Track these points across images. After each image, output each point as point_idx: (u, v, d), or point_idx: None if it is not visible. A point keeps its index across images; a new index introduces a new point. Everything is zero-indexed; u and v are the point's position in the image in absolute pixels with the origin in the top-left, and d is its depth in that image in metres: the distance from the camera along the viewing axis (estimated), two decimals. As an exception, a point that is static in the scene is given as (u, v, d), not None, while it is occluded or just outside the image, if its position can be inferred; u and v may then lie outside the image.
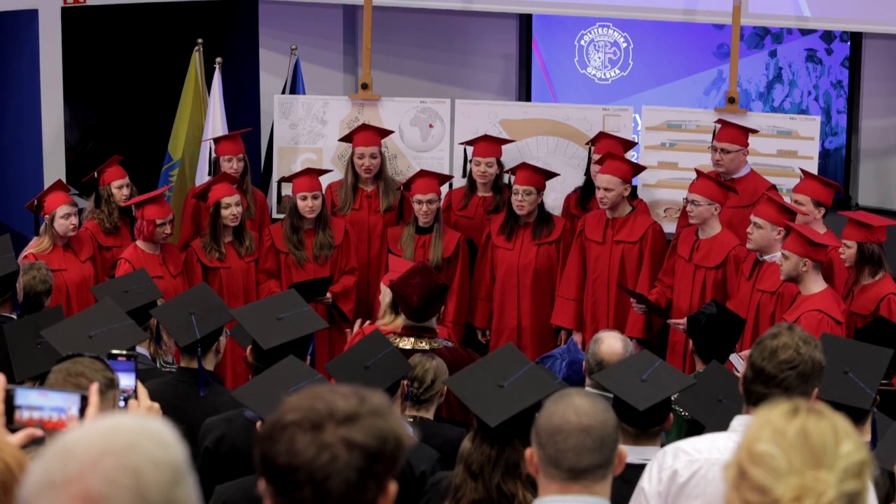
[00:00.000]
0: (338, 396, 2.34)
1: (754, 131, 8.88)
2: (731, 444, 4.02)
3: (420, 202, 8.73)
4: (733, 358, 6.76)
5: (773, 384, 4.00)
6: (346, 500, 2.29)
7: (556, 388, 4.12)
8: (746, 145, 8.78)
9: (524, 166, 8.77)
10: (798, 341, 4.04)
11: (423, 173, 8.89)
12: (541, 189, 8.74)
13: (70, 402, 3.20)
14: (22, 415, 3.18)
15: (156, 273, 8.09)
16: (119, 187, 8.84)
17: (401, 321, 6.73)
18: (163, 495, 2.00)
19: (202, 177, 9.52)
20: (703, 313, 6.69)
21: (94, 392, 3.23)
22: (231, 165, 9.05)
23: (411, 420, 5.49)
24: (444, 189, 9.41)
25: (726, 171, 8.66)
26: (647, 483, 4.06)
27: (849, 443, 2.34)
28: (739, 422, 4.09)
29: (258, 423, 4.72)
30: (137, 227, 8.42)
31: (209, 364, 5.76)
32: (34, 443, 3.09)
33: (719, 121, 8.92)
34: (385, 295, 7.03)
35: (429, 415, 5.64)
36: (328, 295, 8.65)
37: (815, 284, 7.38)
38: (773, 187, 8.73)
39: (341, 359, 5.75)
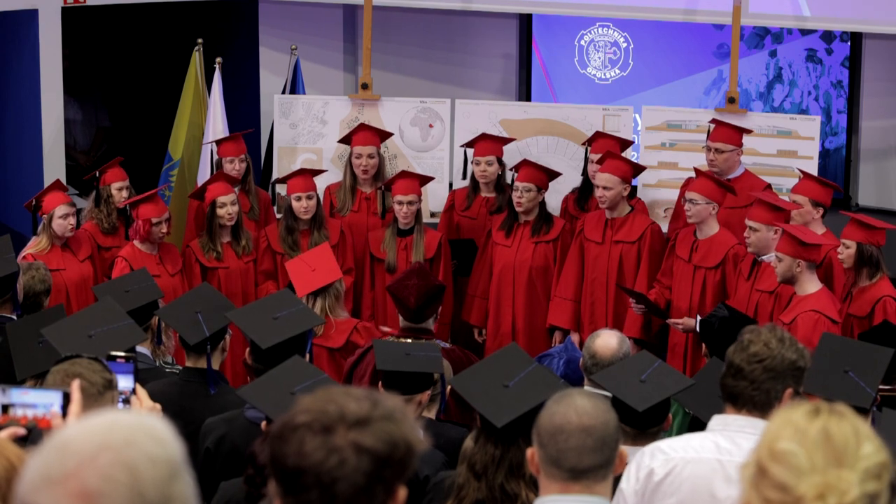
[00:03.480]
0: (351, 399, 2.34)
1: (748, 131, 8.87)
2: (707, 442, 4.07)
3: (401, 203, 8.71)
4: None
5: (740, 377, 4.04)
6: (353, 503, 2.29)
7: (560, 388, 4.13)
8: (741, 145, 8.77)
9: (526, 163, 8.77)
10: (772, 338, 4.08)
11: (403, 174, 8.88)
12: (542, 187, 8.73)
13: (52, 399, 3.21)
14: (16, 412, 3.19)
15: (153, 272, 8.08)
16: (119, 189, 8.86)
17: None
18: (159, 491, 2.00)
19: (203, 178, 9.52)
20: (715, 316, 6.68)
21: (75, 389, 3.23)
22: (233, 166, 9.06)
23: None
24: (446, 189, 9.42)
25: (720, 171, 8.64)
26: (626, 482, 4.10)
27: (869, 444, 2.34)
28: (717, 421, 4.12)
29: (263, 424, 4.73)
30: (133, 228, 8.43)
31: (215, 362, 5.77)
32: (20, 440, 3.10)
33: (713, 121, 8.91)
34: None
35: (430, 415, 5.64)
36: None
37: (811, 285, 7.37)
38: (769, 187, 8.73)
39: (390, 342, 5.82)
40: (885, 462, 2.35)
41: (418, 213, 8.78)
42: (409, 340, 6.32)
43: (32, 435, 3.16)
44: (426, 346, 5.67)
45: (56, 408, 3.20)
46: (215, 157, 9.26)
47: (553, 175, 8.80)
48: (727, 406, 4.11)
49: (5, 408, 3.19)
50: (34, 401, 3.21)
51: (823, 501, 2.30)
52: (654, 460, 4.08)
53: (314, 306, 7.16)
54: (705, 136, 8.89)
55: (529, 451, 3.24)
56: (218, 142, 9.30)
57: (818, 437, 2.34)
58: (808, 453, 2.33)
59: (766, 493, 2.35)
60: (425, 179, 8.88)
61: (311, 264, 7.42)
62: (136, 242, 8.43)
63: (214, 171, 9.25)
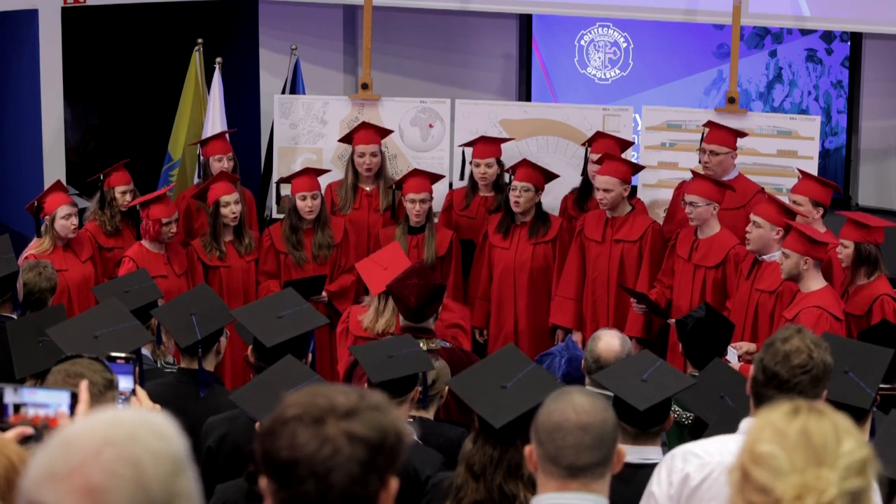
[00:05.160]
0: (337, 393, 2.37)
1: (743, 134, 8.88)
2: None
3: (413, 201, 8.72)
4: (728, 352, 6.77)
5: (786, 388, 4.00)
6: (348, 493, 2.30)
7: (558, 389, 4.13)
8: (735, 148, 8.78)
9: (524, 163, 8.77)
10: (810, 345, 4.04)
11: (415, 172, 8.89)
12: (539, 188, 8.74)
13: (60, 399, 3.22)
14: (28, 412, 3.20)
15: (160, 272, 8.13)
16: (123, 192, 8.87)
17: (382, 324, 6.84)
18: (163, 487, 2.01)
19: (198, 179, 9.54)
20: (691, 317, 6.66)
21: (83, 389, 3.24)
22: (221, 165, 9.06)
23: (411, 420, 5.49)
24: (445, 189, 9.42)
25: (714, 173, 8.62)
26: (657, 486, 4.05)
27: (850, 441, 2.35)
28: (747, 424, 4.07)
29: (257, 424, 4.73)
30: (144, 227, 8.45)
31: (209, 365, 5.77)
32: (26, 440, 3.11)
33: (708, 123, 8.92)
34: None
35: (429, 415, 5.65)
36: (324, 294, 8.65)
37: (815, 282, 7.39)
38: (762, 190, 8.74)
39: (368, 345, 5.79)
40: (867, 458, 2.35)
41: (429, 212, 8.80)
42: (389, 337, 6.32)
43: (40, 434, 3.16)
44: (404, 342, 5.61)
45: (64, 408, 3.21)
46: (201, 157, 9.28)
47: (550, 176, 8.81)
48: (759, 411, 4.05)
49: (17, 407, 3.20)
50: (45, 400, 3.22)
51: (802, 502, 2.30)
52: (687, 464, 4.02)
53: (386, 306, 7.15)
54: (700, 138, 8.89)
55: (528, 449, 3.24)
56: (203, 142, 9.31)
57: (797, 437, 2.34)
58: (787, 454, 2.33)
59: (749, 496, 2.35)
60: (436, 177, 8.90)
61: (382, 263, 7.44)
62: (144, 242, 8.45)
63: (201, 171, 9.28)
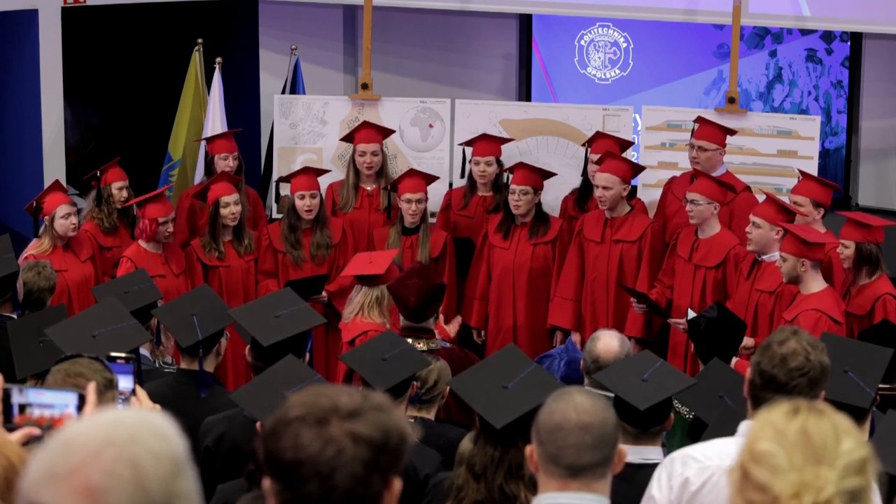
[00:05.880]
0: (341, 393, 2.37)
1: (732, 132, 8.88)
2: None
3: (409, 201, 8.72)
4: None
5: (784, 391, 3.99)
6: (352, 493, 2.31)
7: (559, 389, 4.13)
8: (724, 144, 8.78)
9: (521, 166, 8.77)
10: (807, 346, 4.03)
11: (411, 173, 8.89)
12: (538, 189, 8.74)
13: (67, 400, 3.22)
14: (33, 412, 3.21)
15: (158, 272, 8.11)
16: (119, 188, 8.87)
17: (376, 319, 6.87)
18: (162, 487, 2.01)
19: (200, 177, 9.53)
20: (703, 317, 6.66)
21: (91, 391, 3.24)
22: (227, 164, 9.06)
23: (412, 420, 5.49)
24: (444, 189, 9.42)
25: (703, 169, 8.64)
26: (657, 490, 4.04)
27: (850, 440, 2.35)
28: (746, 427, 4.07)
29: (258, 424, 4.73)
30: (139, 227, 8.43)
31: (209, 366, 5.77)
32: (32, 441, 3.11)
33: (698, 119, 8.93)
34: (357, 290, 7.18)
35: (430, 415, 5.64)
36: (323, 294, 8.65)
37: (815, 284, 7.38)
38: (748, 188, 8.75)
39: (358, 350, 5.77)
40: (866, 457, 2.36)
41: (424, 212, 8.80)
42: (373, 339, 6.32)
43: (45, 435, 3.17)
44: (391, 342, 5.59)
45: (71, 409, 3.21)
46: (207, 155, 9.27)
47: (547, 175, 8.80)
48: (756, 413, 4.05)
49: (22, 407, 3.20)
50: (51, 401, 3.22)
51: (799, 499, 2.30)
52: (687, 468, 4.01)
53: (357, 294, 7.21)
54: (690, 134, 8.90)
55: (528, 449, 3.24)
56: (209, 139, 9.31)
57: (797, 436, 2.35)
58: (787, 453, 2.34)
59: (748, 495, 2.36)
60: (431, 178, 8.90)
61: (371, 258, 7.51)
62: (141, 242, 8.44)
63: (207, 169, 9.28)
